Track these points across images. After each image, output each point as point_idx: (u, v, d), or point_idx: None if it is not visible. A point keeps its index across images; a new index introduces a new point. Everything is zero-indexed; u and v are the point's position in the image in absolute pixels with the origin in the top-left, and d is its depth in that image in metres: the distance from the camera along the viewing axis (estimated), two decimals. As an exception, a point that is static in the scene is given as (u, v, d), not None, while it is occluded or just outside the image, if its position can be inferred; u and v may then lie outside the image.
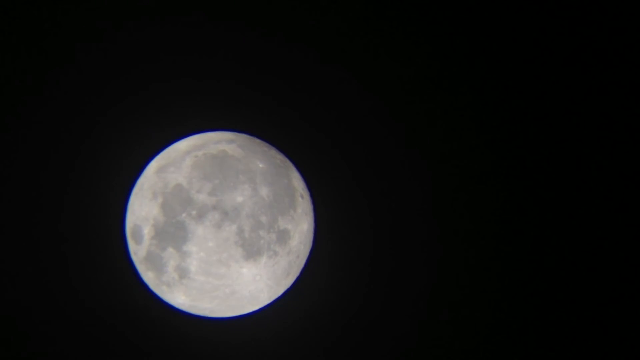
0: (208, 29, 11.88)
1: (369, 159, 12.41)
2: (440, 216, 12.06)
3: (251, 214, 11.18)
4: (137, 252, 11.73)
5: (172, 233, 11.17)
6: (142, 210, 11.51)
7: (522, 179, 11.93)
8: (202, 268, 11.20)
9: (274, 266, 11.56)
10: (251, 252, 11.26)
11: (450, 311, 12.00)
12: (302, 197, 11.99)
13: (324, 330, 12.19)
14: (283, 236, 11.56)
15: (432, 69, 11.82)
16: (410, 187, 12.28)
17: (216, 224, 11.10)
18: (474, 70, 11.84)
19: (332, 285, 12.46)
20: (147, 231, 11.41)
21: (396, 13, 11.68)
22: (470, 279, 12.02)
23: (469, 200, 11.94)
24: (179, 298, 11.68)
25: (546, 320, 12.04)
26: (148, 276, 11.81)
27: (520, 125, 11.89)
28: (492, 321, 11.95)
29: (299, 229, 11.86)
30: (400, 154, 12.29)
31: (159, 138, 11.95)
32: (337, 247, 12.52)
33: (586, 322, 11.93)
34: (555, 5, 11.69)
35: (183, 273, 11.32)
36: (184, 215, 11.09)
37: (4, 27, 11.61)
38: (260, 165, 11.55)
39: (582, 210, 11.87)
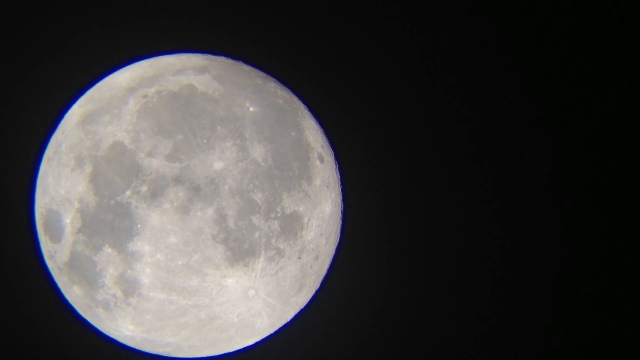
0: None
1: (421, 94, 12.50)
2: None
3: (238, 189, 10.62)
4: (55, 254, 11.17)
5: (109, 223, 10.61)
6: (61, 186, 10.97)
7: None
8: (161, 279, 10.68)
9: (277, 274, 11.04)
10: (240, 252, 10.70)
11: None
12: (321, 159, 11.44)
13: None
14: (291, 225, 11.00)
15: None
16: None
17: (181, 207, 10.52)
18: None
19: (371, 304, 12.35)
20: (69, 220, 10.82)
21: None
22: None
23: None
24: (125, 328, 11.29)
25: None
26: (73, 293, 11.33)
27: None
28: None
29: (318, 212, 11.36)
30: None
31: (83, 67, 11.60)
32: (380, 242, 12.36)
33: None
34: None
35: (130, 288, 10.85)
36: (127, 193, 10.50)
37: None
38: (252, 109, 11.00)
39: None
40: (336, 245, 11.98)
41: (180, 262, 10.64)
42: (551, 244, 13.50)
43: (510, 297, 13.36)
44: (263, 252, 10.76)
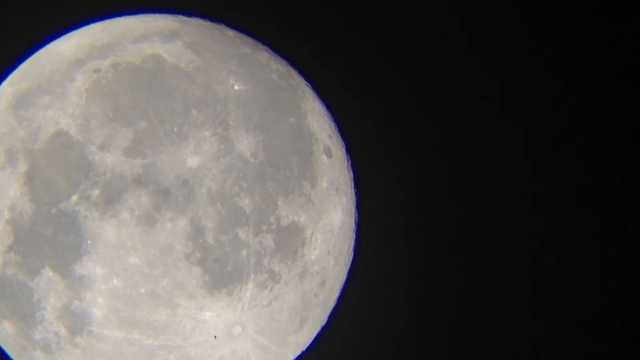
0: None
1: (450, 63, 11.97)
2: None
3: (219, 194, 9.97)
4: (-22, 280, 10.27)
5: (50, 238, 9.94)
6: (-15, 190, 9.85)
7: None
8: (118, 312, 10.01)
9: (270, 305, 10.26)
10: (222, 276, 9.97)
11: None
12: (328, 153, 10.74)
13: None
14: (290, 240, 10.22)
15: None
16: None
17: (144, 218, 9.82)
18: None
19: (391, 343, 11.61)
20: (-4, 236, 9.73)
21: None
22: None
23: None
24: (70, 378, 10.09)
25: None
26: (3, 331, 10.63)
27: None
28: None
29: (324, 223, 10.62)
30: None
31: (16, 32, 10.80)
32: (403, 263, 11.59)
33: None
34: None
35: (77, 324, 10.08)
36: (74, 199, 9.83)
37: None
38: (237, 87, 10.35)
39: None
40: (348, 267, 10.89)
41: (143, 290, 9.89)
42: (586, 256, 12.72)
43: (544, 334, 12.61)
44: (252, 276, 10.02)
